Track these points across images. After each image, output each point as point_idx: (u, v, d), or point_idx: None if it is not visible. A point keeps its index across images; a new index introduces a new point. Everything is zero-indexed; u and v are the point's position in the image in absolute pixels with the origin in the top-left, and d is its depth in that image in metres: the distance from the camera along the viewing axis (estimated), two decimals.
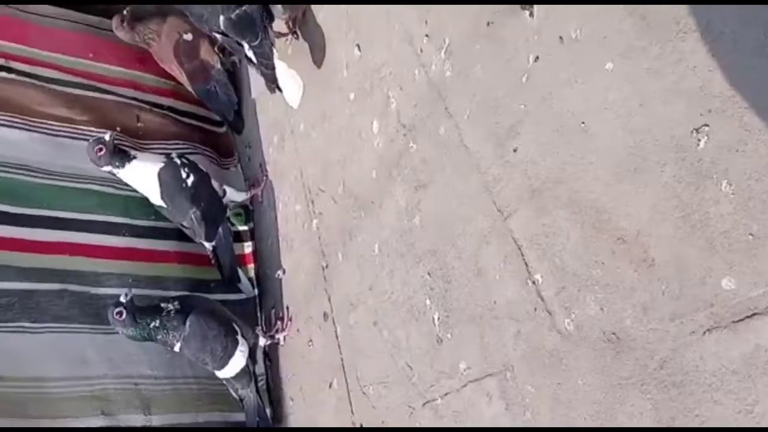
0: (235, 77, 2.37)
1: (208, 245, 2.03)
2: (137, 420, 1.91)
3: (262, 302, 2.18)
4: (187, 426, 2.00)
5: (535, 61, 1.10)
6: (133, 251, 2.14)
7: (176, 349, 1.83)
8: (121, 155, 1.93)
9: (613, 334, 0.95)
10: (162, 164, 1.96)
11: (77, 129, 2.26)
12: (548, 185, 1.07)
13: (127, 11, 2.25)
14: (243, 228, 2.27)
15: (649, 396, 0.89)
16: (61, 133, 2.23)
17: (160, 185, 1.95)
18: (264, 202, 2.21)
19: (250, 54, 1.72)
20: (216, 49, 2.46)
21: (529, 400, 1.09)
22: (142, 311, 1.78)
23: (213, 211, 2.02)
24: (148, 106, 2.41)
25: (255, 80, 2.15)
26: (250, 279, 2.25)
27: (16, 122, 2.16)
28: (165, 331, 1.81)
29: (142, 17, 2.29)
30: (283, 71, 1.72)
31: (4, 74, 2.21)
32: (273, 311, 2.12)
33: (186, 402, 2.00)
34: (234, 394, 1.99)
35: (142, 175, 1.96)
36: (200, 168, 2.03)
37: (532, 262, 1.09)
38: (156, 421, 1.94)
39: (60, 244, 2.06)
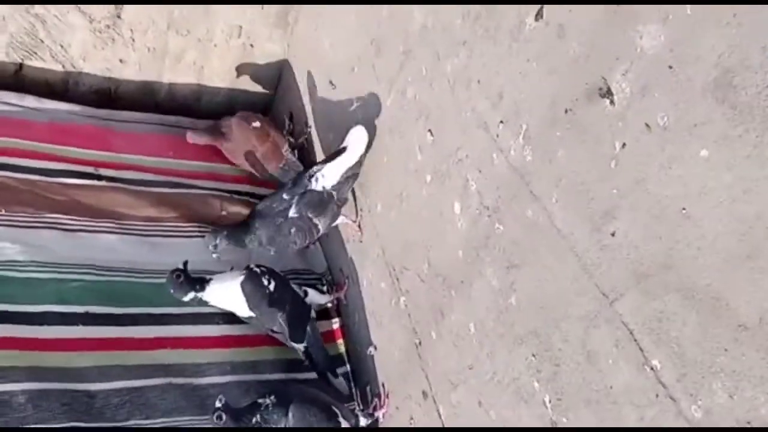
0: (305, 153, 2.47)
1: (299, 347, 2.09)
2: None
3: (356, 379, 2.22)
4: None
5: (623, 147, 1.12)
6: (228, 339, 2.22)
7: None
8: (199, 280, 2.02)
9: (748, 422, 0.93)
10: (242, 277, 2.05)
11: (165, 226, 2.39)
12: (654, 270, 1.07)
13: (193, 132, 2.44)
14: (324, 300, 2.32)
15: None
16: (151, 233, 2.36)
17: (246, 298, 2.04)
18: (348, 279, 2.26)
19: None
20: (285, 133, 2.60)
21: None
22: (240, 411, 1.83)
23: (298, 312, 2.09)
24: (228, 195, 2.54)
25: None
26: (339, 356, 2.30)
27: (110, 227, 2.31)
28: (267, 423, 1.86)
29: (206, 126, 2.44)
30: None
31: (95, 182, 2.38)
32: (368, 388, 2.15)
33: None
34: None
35: (226, 293, 2.05)
36: (278, 272, 2.13)
37: (647, 347, 1.08)
38: None
39: (160, 339, 2.17)
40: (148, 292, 2.22)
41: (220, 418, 1.80)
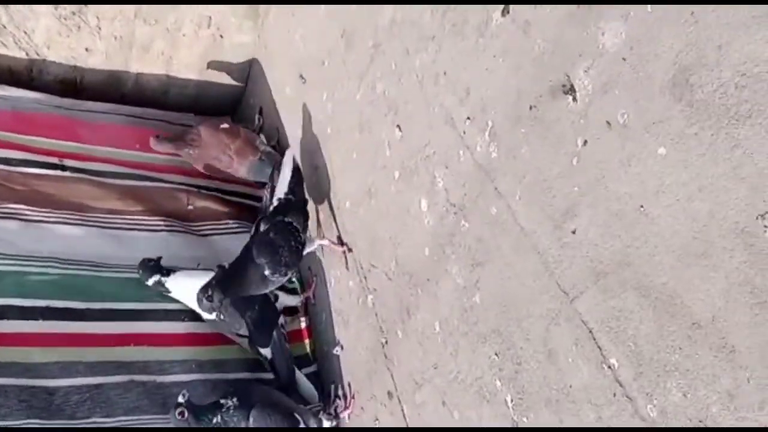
0: (278, 149, 2.44)
1: (264, 351, 2.05)
2: None
3: (322, 379, 2.19)
4: None
5: (584, 144, 1.11)
6: (194, 336, 2.19)
7: None
8: (167, 269, 2.05)
9: (700, 421, 0.93)
10: (213, 273, 2.02)
11: (130, 219, 2.35)
12: (613, 268, 1.06)
13: (158, 138, 2.37)
14: (295, 302, 2.29)
15: None
16: (115, 225, 2.32)
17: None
18: (316, 277, 2.24)
19: None
20: (255, 128, 2.57)
21: None
22: (202, 410, 1.81)
23: (266, 316, 2.05)
24: (196, 189, 2.50)
25: None
26: (306, 356, 2.27)
27: (73, 219, 2.26)
28: (227, 424, 1.83)
29: (174, 138, 2.39)
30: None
31: (59, 173, 2.33)
32: (333, 386, 2.13)
33: None
34: None
35: (191, 287, 2.02)
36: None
37: (605, 345, 1.08)
38: None
39: (124, 335, 2.13)
40: (111, 287, 2.17)
41: (182, 414, 1.77)
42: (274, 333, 2.04)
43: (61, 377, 1.98)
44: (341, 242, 2.02)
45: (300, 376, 2.12)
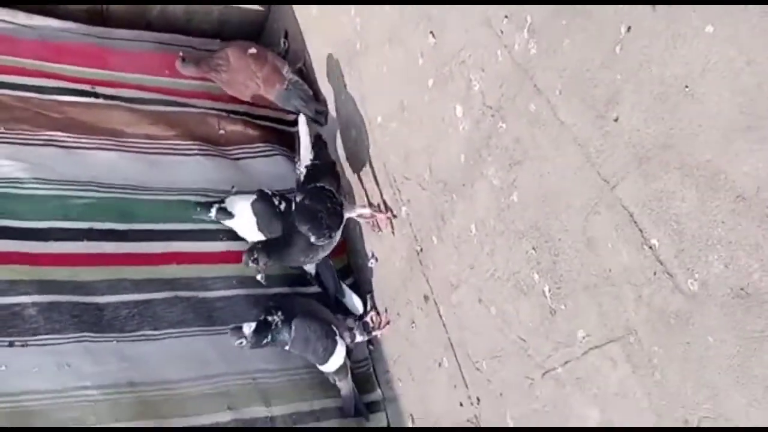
0: (305, 77, 2.44)
1: (309, 268, 2.11)
2: (260, 412, 2.05)
3: (359, 291, 2.27)
4: (305, 412, 2.12)
5: (628, 31, 1.12)
6: (233, 254, 2.26)
7: (286, 348, 1.96)
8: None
9: (742, 289, 0.98)
10: (253, 197, 2.10)
11: (165, 144, 2.39)
12: (656, 151, 1.09)
13: (182, 53, 2.39)
14: None
15: None
16: (151, 150, 2.36)
17: (256, 218, 2.09)
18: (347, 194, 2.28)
19: None
20: (280, 51, 2.56)
21: (657, 361, 1.12)
22: (258, 334, 1.91)
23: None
24: (226, 114, 2.52)
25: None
26: (342, 269, 2.34)
27: (110, 145, 2.31)
28: (276, 341, 1.96)
29: (203, 53, 2.39)
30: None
31: (92, 100, 2.36)
32: (369, 295, 2.21)
33: (302, 392, 2.12)
34: (332, 382, 2.12)
35: (236, 212, 2.10)
36: (288, 196, 2.14)
37: (646, 227, 1.12)
38: (276, 411, 2.08)
39: (166, 254, 2.21)
40: (150, 209, 2.24)
41: (241, 343, 1.88)
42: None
43: (109, 294, 2.07)
44: (387, 207, 2.03)
45: (345, 287, 2.20)
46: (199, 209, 2.12)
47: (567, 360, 1.33)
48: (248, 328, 1.91)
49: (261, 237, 2.12)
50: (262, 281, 1.96)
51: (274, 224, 2.08)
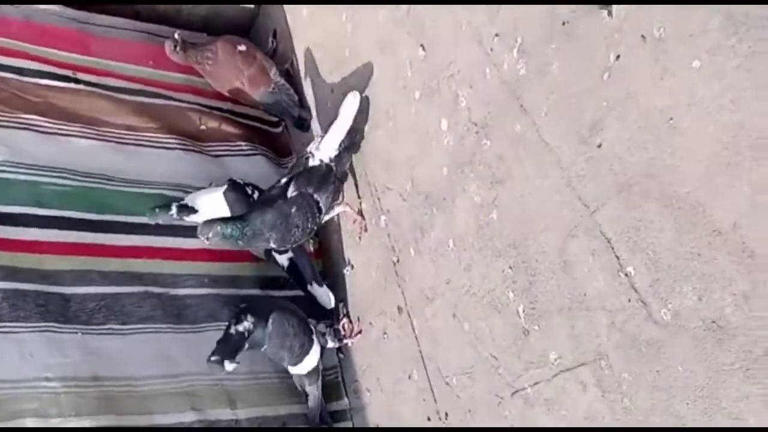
0: (291, 79, 2.43)
1: (283, 258, 2.08)
2: (225, 414, 2.02)
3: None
4: (270, 417, 2.10)
5: (617, 59, 1.13)
6: (207, 252, 2.22)
7: (263, 349, 1.94)
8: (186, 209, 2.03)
9: (713, 322, 0.99)
10: (225, 186, 2.03)
11: (144, 136, 2.35)
12: (637, 180, 1.10)
13: (178, 35, 2.31)
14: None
15: (755, 381, 0.93)
16: (130, 141, 2.32)
17: (229, 207, 2.02)
18: None
19: None
20: (268, 50, 2.54)
21: (626, 387, 1.13)
22: (232, 351, 1.85)
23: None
24: (208, 110, 2.49)
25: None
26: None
27: (88, 132, 2.26)
28: (252, 346, 1.91)
29: (194, 42, 2.36)
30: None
31: (72, 85, 2.31)
32: (341, 304, 2.19)
33: (268, 396, 2.10)
34: (299, 389, 2.10)
35: (208, 204, 2.03)
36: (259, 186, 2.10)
37: (623, 255, 1.13)
38: (242, 414, 2.05)
39: (138, 248, 2.17)
40: (125, 201, 2.19)
41: (218, 362, 1.82)
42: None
43: (76, 285, 2.02)
44: (361, 215, 2.01)
45: (319, 279, 2.15)
46: (157, 210, 2.03)
47: (537, 381, 1.33)
48: (231, 366, 1.82)
49: None
50: None
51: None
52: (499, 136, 1.42)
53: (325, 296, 2.15)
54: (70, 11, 2.40)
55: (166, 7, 2.66)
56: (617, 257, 1.14)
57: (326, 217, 2.00)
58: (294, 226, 1.87)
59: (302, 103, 2.38)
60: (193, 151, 2.38)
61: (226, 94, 2.43)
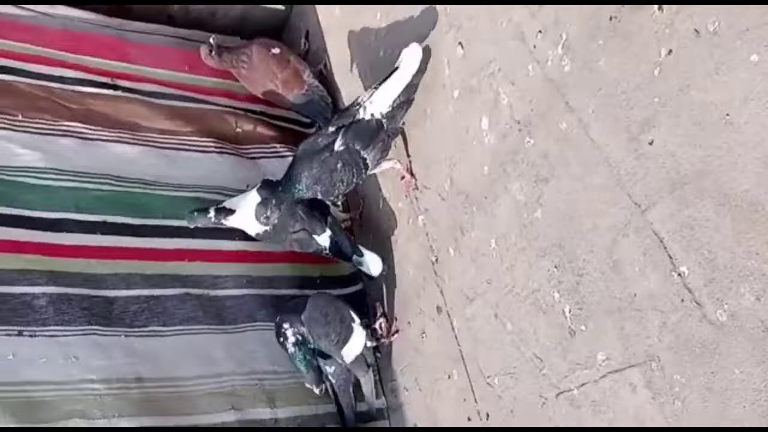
0: (325, 80, 2.44)
1: (322, 240, 2.00)
2: (265, 413, 2.04)
3: (368, 297, 2.26)
4: (309, 416, 2.11)
5: (668, 54, 1.11)
6: (244, 254, 2.25)
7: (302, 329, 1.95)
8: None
9: None
10: (258, 185, 2.00)
11: (181, 140, 2.38)
12: (691, 177, 1.07)
13: (213, 40, 2.34)
14: (344, 220, 2.32)
15: None
16: (168, 145, 2.35)
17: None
18: (364, 199, 2.27)
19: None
20: (300, 52, 2.55)
21: (678, 389, 1.11)
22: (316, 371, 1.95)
23: (317, 205, 1.99)
24: (243, 113, 2.51)
25: None
26: (352, 275, 2.33)
27: (127, 138, 2.29)
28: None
29: (228, 46, 2.38)
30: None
31: (111, 92, 2.35)
32: (378, 304, 2.19)
33: (308, 395, 2.10)
34: (330, 393, 2.10)
35: (245, 206, 2.00)
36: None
37: (676, 254, 1.10)
38: (281, 413, 2.06)
39: (178, 251, 2.19)
40: (164, 205, 2.23)
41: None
42: (329, 218, 2.00)
43: (119, 288, 2.05)
44: (411, 173, 1.94)
45: (362, 249, 2.06)
46: (196, 214, 2.00)
47: (584, 382, 1.32)
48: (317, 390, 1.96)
49: (261, 228, 2.04)
50: None
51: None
52: (543, 134, 1.40)
53: (373, 262, 2.04)
54: (104, 18, 2.44)
55: (200, 10, 2.69)
56: (670, 257, 1.12)
57: (373, 171, 1.95)
58: (338, 180, 1.86)
59: (336, 104, 2.38)
60: (229, 153, 2.41)
61: (261, 96, 2.45)
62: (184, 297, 2.12)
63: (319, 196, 1.91)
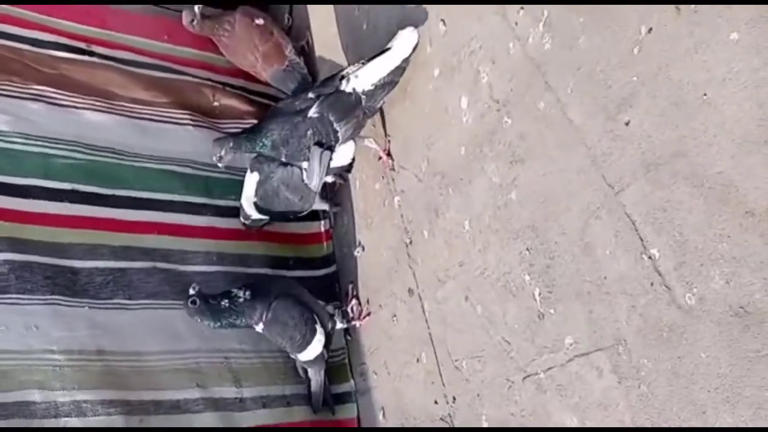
0: (307, 56, 2.39)
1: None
2: (229, 392, 2.00)
3: (340, 279, 2.23)
4: (275, 396, 2.08)
5: (649, 32, 1.08)
6: (215, 230, 2.21)
7: (258, 329, 1.92)
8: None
9: (741, 308, 0.95)
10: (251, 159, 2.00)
11: (156, 111, 2.32)
12: (666, 159, 1.05)
13: (198, 8, 2.28)
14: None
15: None
16: (142, 116, 2.29)
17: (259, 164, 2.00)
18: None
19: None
20: (283, 27, 2.50)
21: (644, 373, 1.09)
22: (213, 298, 1.87)
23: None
24: (222, 86, 2.46)
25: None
26: (325, 257, 2.30)
27: (100, 106, 2.23)
28: (238, 315, 1.89)
29: (211, 14, 2.33)
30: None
31: (86, 58, 2.28)
32: (351, 286, 2.16)
33: (274, 375, 2.08)
34: (301, 373, 2.09)
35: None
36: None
37: (647, 236, 1.08)
38: (246, 392, 2.03)
39: (147, 223, 2.14)
40: (135, 175, 2.17)
41: (194, 302, 1.83)
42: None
43: (85, 258, 2.00)
44: (389, 154, 1.93)
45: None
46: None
47: (551, 366, 1.30)
48: (193, 288, 1.86)
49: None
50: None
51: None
52: (521, 113, 1.37)
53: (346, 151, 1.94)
54: None
55: None
56: (641, 239, 1.10)
57: (345, 149, 1.90)
58: (305, 147, 1.83)
59: (315, 81, 2.34)
60: (205, 127, 2.35)
61: (240, 67, 2.40)
62: (152, 270, 2.08)
63: (283, 159, 1.88)
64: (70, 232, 2.02)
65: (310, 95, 1.83)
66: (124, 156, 2.19)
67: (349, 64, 1.95)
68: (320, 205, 2.18)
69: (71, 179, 2.07)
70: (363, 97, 1.76)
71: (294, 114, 1.82)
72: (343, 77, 1.78)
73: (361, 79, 1.75)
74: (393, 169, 1.90)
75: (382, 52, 1.71)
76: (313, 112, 1.79)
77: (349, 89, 1.75)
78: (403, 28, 1.67)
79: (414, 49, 1.68)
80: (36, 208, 1.99)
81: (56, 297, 1.91)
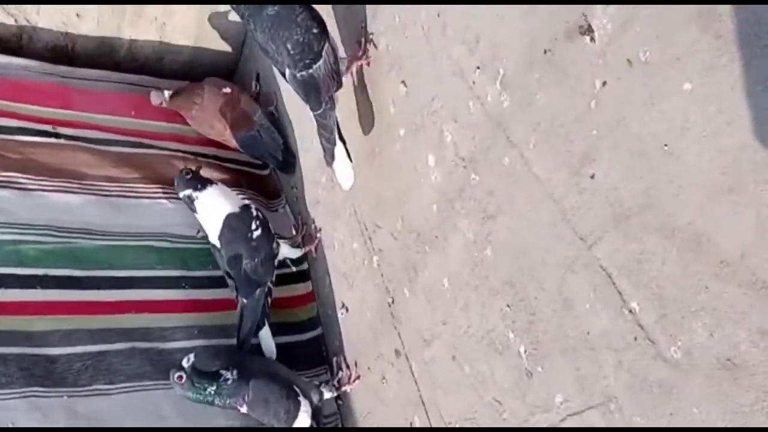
0: (277, 121, 2.39)
1: (242, 300, 2.04)
2: None
3: (327, 342, 2.18)
4: None
5: (603, 85, 1.08)
6: (195, 303, 2.17)
7: (243, 410, 1.86)
8: (203, 180, 2.05)
9: (728, 360, 0.92)
10: (237, 210, 2.01)
11: (127, 187, 2.30)
12: (635, 210, 1.04)
13: (167, 92, 2.31)
14: (297, 254, 2.26)
15: None
16: (113, 193, 2.27)
17: (223, 228, 2.00)
18: (321, 231, 2.21)
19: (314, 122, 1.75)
20: (251, 94, 2.52)
21: None
22: (201, 377, 1.80)
23: (263, 271, 2.03)
24: (193, 156, 2.45)
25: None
26: (310, 319, 2.26)
27: (70, 187, 2.21)
28: (222, 397, 1.84)
29: (178, 90, 2.35)
30: (340, 152, 1.75)
31: (53, 140, 2.27)
32: (336, 359, 2.12)
33: None
34: None
35: (214, 210, 2.02)
36: (269, 227, 2.07)
37: (625, 290, 1.06)
38: None
39: (125, 303, 2.10)
40: (110, 255, 2.14)
41: (180, 378, 1.77)
42: (258, 290, 2.02)
43: (61, 345, 1.95)
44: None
45: (266, 336, 2.08)
46: (176, 183, 2.07)
47: (545, 426, 1.25)
48: (187, 361, 1.80)
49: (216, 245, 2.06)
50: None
51: (233, 245, 2.02)
52: (487, 170, 1.36)
53: (268, 347, 2.10)
54: (48, 66, 2.37)
55: (146, 56, 2.64)
56: (619, 293, 1.07)
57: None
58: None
59: (287, 145, 2.34)
60: (178, 198, 2.33)
61: (209, 137, 2.40)
62: (131, 352, 2.02)
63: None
64: (44, 319, 1.98)
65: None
66: (97, 236, 2.16)
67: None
68: (292, 253, 2.20)
69: (43, 264, 2.03)
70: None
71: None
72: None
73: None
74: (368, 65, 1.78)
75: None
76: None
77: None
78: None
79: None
80: (9, 298, 1.95)
81: (34, 389, 1.86)
